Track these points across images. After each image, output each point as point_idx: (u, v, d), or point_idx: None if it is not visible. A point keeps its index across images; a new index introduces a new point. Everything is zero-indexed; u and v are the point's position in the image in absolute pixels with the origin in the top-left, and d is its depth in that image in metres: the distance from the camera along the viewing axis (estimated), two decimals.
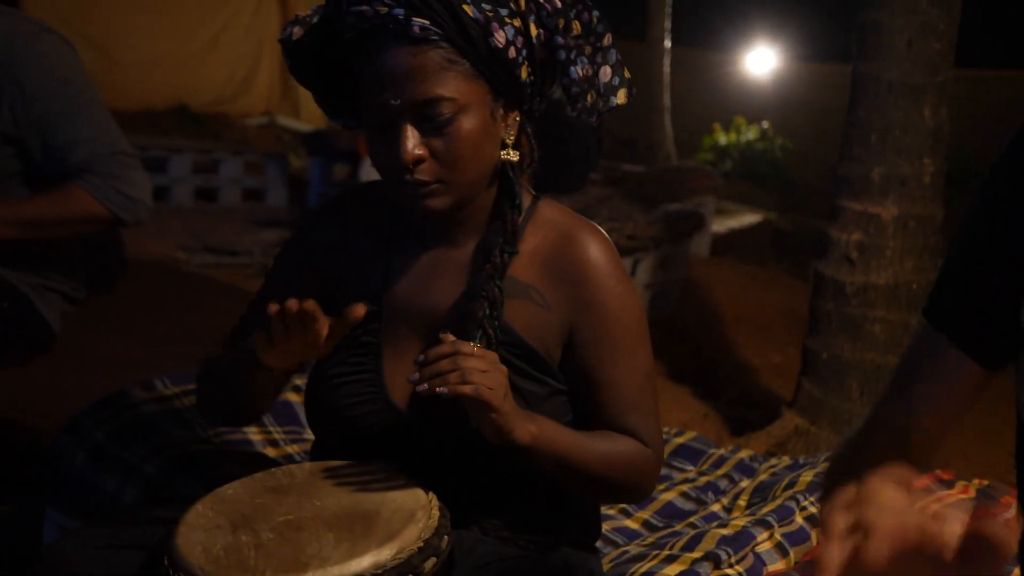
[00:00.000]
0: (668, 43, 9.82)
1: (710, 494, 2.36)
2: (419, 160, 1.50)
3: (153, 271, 3.82)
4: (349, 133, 6.59)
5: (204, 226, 6.88)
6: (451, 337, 1.46)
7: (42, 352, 2.64)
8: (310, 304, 1.44)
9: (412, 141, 1.49)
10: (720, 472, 2.47)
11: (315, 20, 1.62)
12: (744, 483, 2.39)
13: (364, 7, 1.47)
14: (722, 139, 11.27)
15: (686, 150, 11.08)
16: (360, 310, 1.46)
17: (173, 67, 10.28)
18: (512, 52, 1.51)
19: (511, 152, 1.58)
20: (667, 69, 9.95)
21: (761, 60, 12.84)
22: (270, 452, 2.24)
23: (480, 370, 1.42)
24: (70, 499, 2.14)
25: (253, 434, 2.26)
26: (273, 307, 1.45)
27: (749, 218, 8.87)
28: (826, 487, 1.32)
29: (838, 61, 11.56)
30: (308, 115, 11.35)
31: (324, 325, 1.46)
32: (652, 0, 9.72)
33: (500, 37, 1.49)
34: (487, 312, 1.55)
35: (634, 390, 1.60)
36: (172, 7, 10.32)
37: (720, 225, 7.84)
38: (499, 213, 1.61)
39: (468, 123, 1.50)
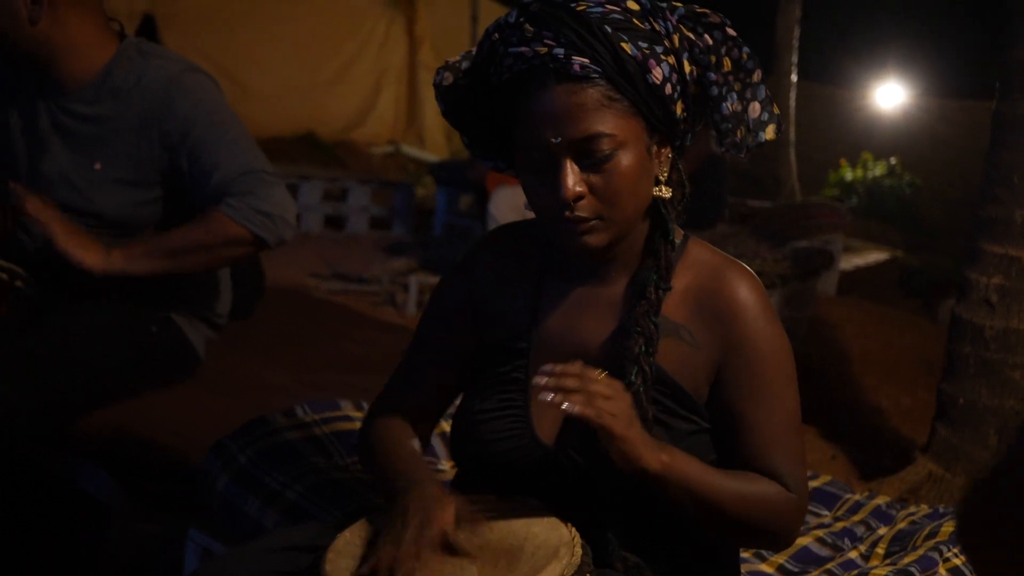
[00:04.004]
0: (795, 77, 9.71)
1: (846, 540, 2.31)
2: (579, 197, 1.51)
3: (287, 297, 3.89)
4: (479, 166, 6.66)
5: (333, 253, 7.02)
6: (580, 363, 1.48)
7: (187, 376, 2.73)
8: None
9: (573, 178, 1.51)
10: (856, 518, 2.42)
11: (465, 64, 1.66)
12: (882, 530, 2.34)
13: (523, 48, 1.50)
14: (848, 175, 11.09)
15: (811, 186, 10.92)
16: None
17: (302, 96, 10.54)
18: (668, 88, 1.53)
19: (664, 188, 1.60)
20: (793, 103, 9.84)
21: (890, 95, 12.61)
22: None
23: (604, 396, 1.44)
24: (213, 521, 2.20)
25: None
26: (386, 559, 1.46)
27: (876, 255, 8.70)
28: None
29: (969, 97, 11.32)
30: (432, 145, 11.52)
31: None
32: (780, 34, 9.62)
33: (657, 74, 1.51)
34: (643, 348, 1.56)
35: (779, 432, 1.59)
36: (302, 39, 10.58)
37: (847, 262, 7.70)
38: (652, 249, 1.62)
39: (626, 159, 1.52)
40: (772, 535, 1.62)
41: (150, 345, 2.59)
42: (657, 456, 1.48)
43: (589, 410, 1.43)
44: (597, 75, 1.49)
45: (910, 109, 12.55)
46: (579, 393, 1.44)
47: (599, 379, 1.46)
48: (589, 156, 1.51)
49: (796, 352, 1.63)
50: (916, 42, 12.79)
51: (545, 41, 1.49)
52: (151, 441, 2.46)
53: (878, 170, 11.08)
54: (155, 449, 2.45)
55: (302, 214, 7.88)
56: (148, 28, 9.19)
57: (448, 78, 1.67)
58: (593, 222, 1.53)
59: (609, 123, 1.50)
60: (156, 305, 2.61)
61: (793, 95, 9.79)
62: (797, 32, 9.56)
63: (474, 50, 1.65)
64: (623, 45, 1.49)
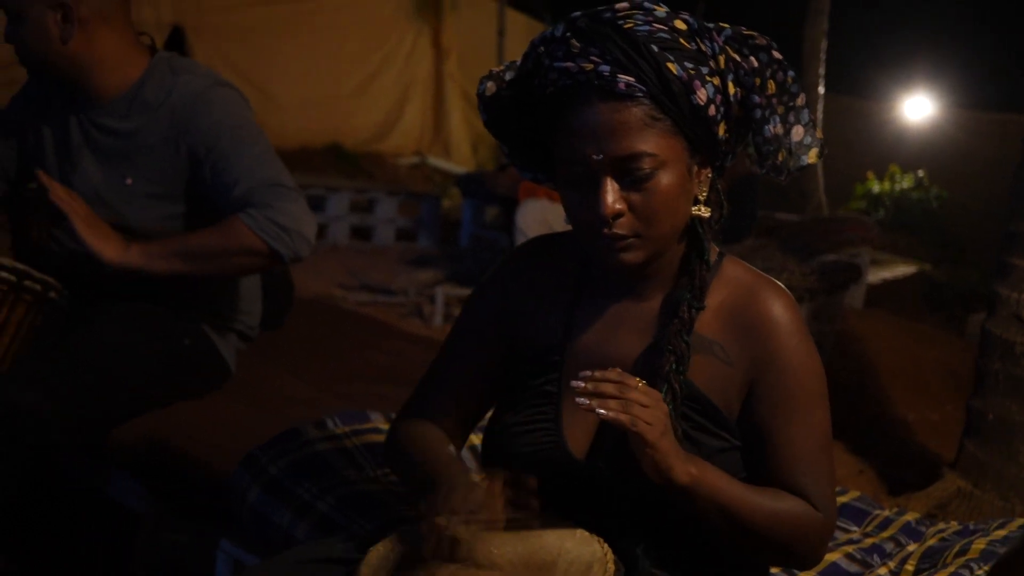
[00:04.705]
0: (822, 89, 9.69)
1: (876, 557, 2.30)
2: (618, 214, 1.52)
3: (315, 308, 3.91)
4: (506, 178, 6.67)
5: (360, 264, 7.06)
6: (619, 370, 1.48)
7: (218, 388, 2.75)
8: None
9: (612, 195, 1.51)
10: (886, 534, 2.41)
11: (508, 75, 1.66)
12: (911, 547, 2.33)
13: (569, 63, 1.51)
14: (875, 188, 11.05)
15: (838, 198, 10.89)
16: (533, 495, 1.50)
17: (328, 107, 10.61)
18: (712, 110, 1.53)
19: (703, 208, 1.60)
20: (820, 116, 9.82)
21: (918, 107, 12.56)
22: None
23: (641, 403, 1.45)
24: (244, 532, 2.22)
25: None
26: (440, 522, 1.46)
27: (903, 269, 8.67)
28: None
29: (998, 110, 11.24)
30: (458, 156, 11.56)
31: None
32: (807, 46, 9.61)
33: (702, 95, 1.51)
34: (673, 366, 1.56)
35: (809, 450, 1.59)
36: (329, 51, 10.65)
37: (874, 276, 7.69)
38: (687, 268, 1.62)
39: (667, 179, 1.52)
40: (799, 554, 1.62)
41: (183, 357, 2.61)
42: (687, 468, 1.49)
43: (624, 416, 1.44)
44: (641, 94, 1.49)
45: (938, 121, 12.48)
46: (616, 400, 1.44)
47: (637, 387, 1.47)
48: (630, 174, 1.51)
49: (823, 366, 1.63)
50: (945, 54, 12.73)
51: (591, 57, 1.49)
52: (182, 452, 2.48)
53: (905, 183, 11.05)
54: (186, 460, 2.47)
55: (329, 225, 7.92)
56: (177, 39, 9.27)
57: (491, 88, 1.67)
58: (631, 240, 1.54)
59: (651, 142, 1.51)
60: (188, 317, 2.63)
61: (820, 107, 9.77)
62: (824, 44, 9.54)
63: (518, 61, 1.65)
64: (669, 65, 1.49)
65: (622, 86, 1.48)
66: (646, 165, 1.51)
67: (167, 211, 2.56)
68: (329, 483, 2.16)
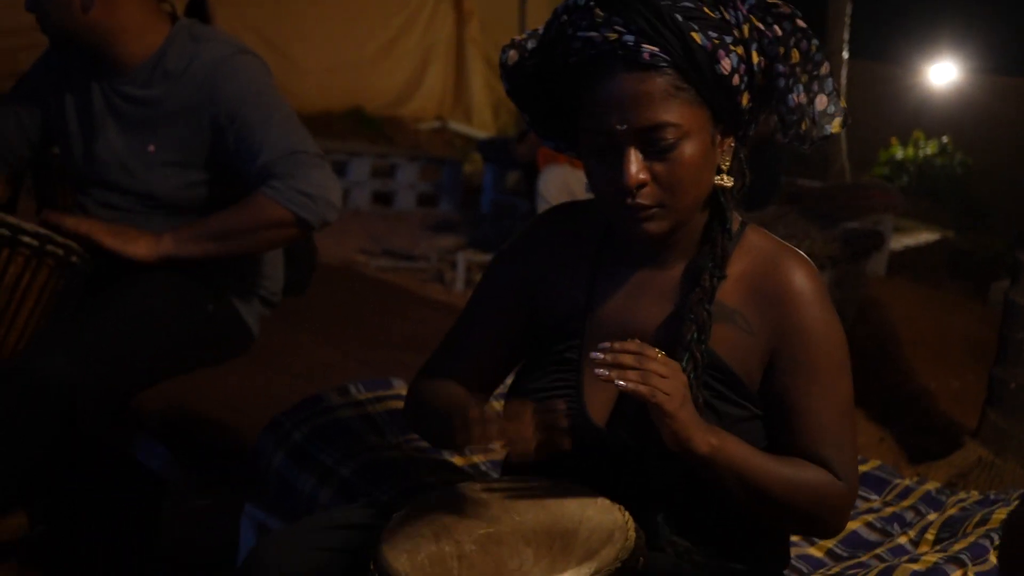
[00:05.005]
0: (846, 55, 9.60)
1: (896, 526, 2.31)
2: (642, 184, 1.52)
3: (338, 275, 3.92)
4: (527, 144, 6.65)
5: (381, 229, 7.07)
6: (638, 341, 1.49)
7: (242, 353, 2.77)
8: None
9: (636, 166, 1.52)
10: (906, 503, 2.42)
11: (531, 44, 1.66)
12: (931, 516, 2.34)
13: (593, 33, 1.50)
14: (899, 154, 10.96)
15: (861, 164, 10.80)
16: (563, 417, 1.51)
17: (350, 72, 10.56)
18: (736, 79, 1.53)
19: (725, 178, 1.60)
20: (844, 81, 9.74)
21: (943, 72, 12.43)
22: (457, 460, 2.30)
23: (660, 375, 1.46)
24: (268, 496, 2.24)
25: None
26: (474, 412, 1.49)
27: (926, 236, 8.62)
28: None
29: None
30: (479, 121, 11.51)
31: (529, 427, 1.49)
32: (832, 11, 9.51)
33: (726, 64, 1.51)
34: (695, 335, 1.57)
35: (831, 419, 1.59)
36: (351, 15, 10.59)
37: (896, 243, 7.65)
38: (709, 237, 1.63)
39: (690, 149, 1.52)
40: (820, 522, 1.62)
41: (206, 323, 2.63)
42: (706, 438, 1.50)
43: (643, 387, 1.45)
44: (666, 64, 1.49)
45: (963, 87, 12.36)
46: (635, 370, 1.45)
47: (657, 357, 1.48)
48: (653, 144, 1.51)
49: (845, 334, 1.63)
50: (970, 18, 12.58)
51: (615, 27, 1.49)
52: (206, 416, 2.50)
53: (929, 149, 10.95)
54: (210, 424, 2.50)
55: (351, 190, 7.92)
56: (198, 3, 9.24)
57: (513, 56, 1.67)
58: (654, 210, 1.54)
59: (675, 112, 1.50)
60: (212, 283, 2.65)
61: (844, 72, 9.68)
62: (849, 9, 9.44)
63: (540, 29, 1.65)
64: (693, 35, 1.49)
65: (646, 56, 1.48)
66: (670, 135, 1.51)
67: (190, 178, 2.58)
68: (352, 449, 2.17)
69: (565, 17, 1.56)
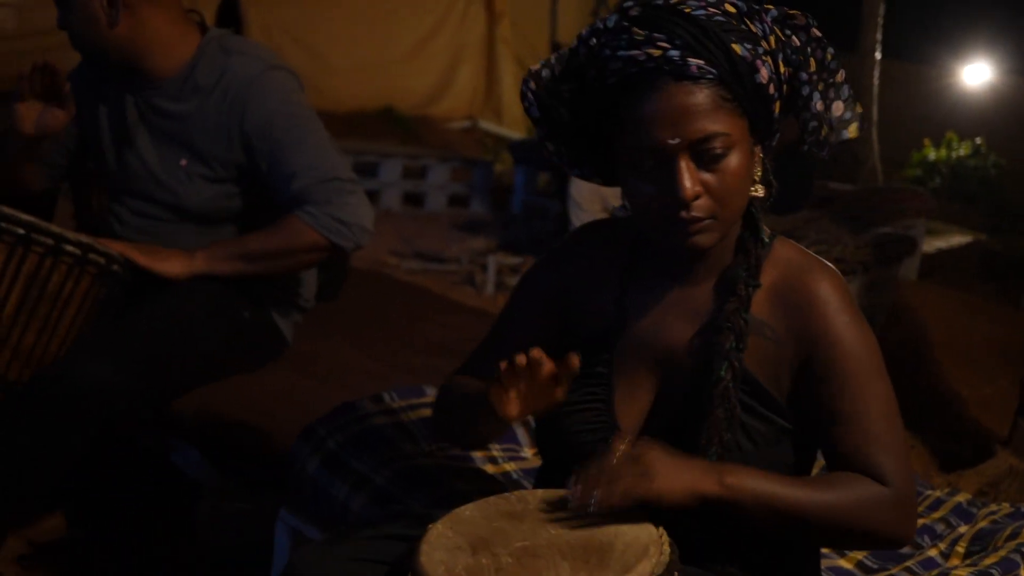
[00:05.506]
0: (879, 55, 9.55)
1: (926, 538, 2.31)
2: (697, 196, 1.54)
3: (369, 279, 3.95)
4: None
5: (412, 230, 7.09)
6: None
7: (276, 359, 2.80)
8: (536, 352, 1.52)
9: (690, 178, 1.53)
10: (936, 515, 2.42)
11: (545, 72, 1.67)
12: (962, 529, 2.33)
13: (635, 51, 1.52)
14: (932, 155, 10.89)
15: (893, 166, 10.75)
16: (575, 360, 1.53)
17: (381, 71, 10.58)
18: (772, 88, 1.56)
19: (759, 187, 1.62)
20: (876, 82, 9.68)
21: (977, 73, 12.34)
22: (489, 469, 2.32)
23: (611, 478, 1.50)
24: (303, 503, 2.27)
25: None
26: (502, 364, 1.52)
27: (958, 239, 8.55)
28: None
29: None
30: (510, 120, 11.52)
31: (553, 371, 1.53)
32: (865, 11, 9.47)
33: (764, 74, 1.54)
34: (733, 344, 1.59)
35: (874, 425, 1.58)
36: (382, 15, 10.62)
37: (928, 245, 7.59)
38: (743, 247, 1.64)
39: (736, 159, 1.55)
40: (880, 536, 1.58)
41: (242, 330, 2.66)
42: (716, 479, 1.51)
43: (614, 499, 1.49)
44: (711, 76, 1.51)
45: (997, 88, 12.27)
46: (606, 487, 1.49)
47: (613, 459, 1.51)
48: (703, 156, 1.53)
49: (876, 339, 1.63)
50: (1004, 19, 12.48)
51: (658, 43, 1.51)
52: (241, 422, 2.53)
53: (962, 150, 10.88)
54: (243, 428, 2.53)
55: (382, 191, 7.95)
56: (230, 4, 9.29)
57: (533, 87, 1.69)
58: (706, 221, 1.56)
59: (723, 123, 1.53)
60: (247, 290, 2.68)
61: (876, 73, 9.63)
62: (882, 9, 9.40)
63: (553, 58, 1.67)
64: (734, 46, 1.52)
65: (693, 69, 1.50)
66: (719, 146, 1.53)
67: (221, 192, 2.61)
68: (386, 457, 2.20)
69: (595, 40, 1.59)
